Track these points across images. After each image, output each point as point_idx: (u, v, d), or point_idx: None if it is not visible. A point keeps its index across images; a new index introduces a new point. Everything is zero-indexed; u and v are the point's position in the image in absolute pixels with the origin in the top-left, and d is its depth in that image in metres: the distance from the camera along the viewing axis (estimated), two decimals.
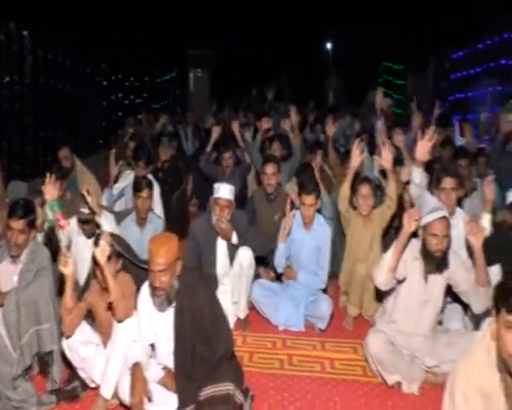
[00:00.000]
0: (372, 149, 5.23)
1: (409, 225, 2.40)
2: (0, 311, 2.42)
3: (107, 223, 2.96)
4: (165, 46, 11.57)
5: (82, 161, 4.40)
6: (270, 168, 3.76)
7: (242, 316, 3.14)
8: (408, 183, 3.51)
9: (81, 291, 2.49)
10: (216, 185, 3.16)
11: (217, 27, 12.57)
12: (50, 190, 2.79)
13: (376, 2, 12.13)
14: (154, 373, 2.26)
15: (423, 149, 3.09)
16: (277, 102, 9.58)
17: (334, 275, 3.65)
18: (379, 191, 3.78)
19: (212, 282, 3.10)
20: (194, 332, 2.17)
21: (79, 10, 8.54)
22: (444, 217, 2.44)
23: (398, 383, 2.53)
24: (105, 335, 2.43)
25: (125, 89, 11.22)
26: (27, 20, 6.60)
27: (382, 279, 2.54)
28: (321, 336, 3.09)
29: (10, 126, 6.29)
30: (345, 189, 3.34)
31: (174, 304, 2.17)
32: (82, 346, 2.37)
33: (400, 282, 2.59)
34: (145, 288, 2.24)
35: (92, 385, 2.43)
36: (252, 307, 3.31)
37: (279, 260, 3.29)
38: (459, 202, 3.26)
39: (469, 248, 2.60)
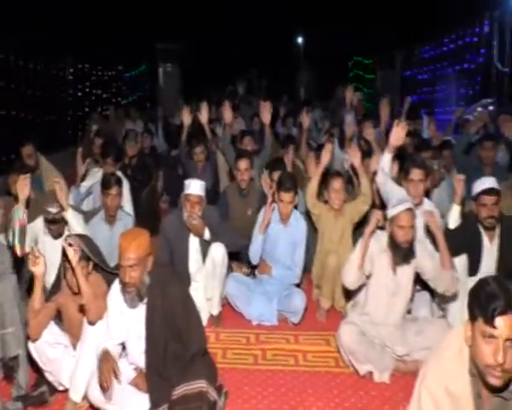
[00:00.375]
0: (342, 143, 5.31)
1: (373, 224, 2.50)
2: None
3: (75, 222, 2.88)
4: (133, 39, 11.32)
5: (47, 158, 4.26)
6: (243, 164, 3.75)
7: (215, 312, 3.13)
8: (376, 173, 3.58)
9: (50, 292, 2.41)
10: (186, 182, 3.12)
11: (187, 21, 12.39)
12: (22, 188, 2.69)
13: None
14: (125, 374, 2.22)
15: (397, 134, 3.13)
16: (249, 96, 9.56)
17: (306, 269, 3.70)
18: (350, 186, 3.84)
19: (184, 278, 3.07)
20: (167, 329, 2.14)
21: (43, 3, 8.22)
22: (409, 208, 2.50)
23: (370, 373, 2.59)
24: (74, 336, 2.37)
25: (91, 83, 10.89)
26: None
27: (352, 279, 2.60)
28: (294, 329, 3.11)
29: None
30: (312, 186, 3.37)
31: (146, 300, 2.14)
32: (49, 347, 2.29)
33: (368, 277, 2.65)
34: (115, 285, 2.20)
35: (60, 388, 2.37)
36: (225, 304, 3.30)
37: (255, 253, 3.29)
38: (427, 193, 3.36)
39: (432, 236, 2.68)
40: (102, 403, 2.17)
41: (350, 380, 2.58)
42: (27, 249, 2.65)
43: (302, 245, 3.29)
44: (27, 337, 2.32)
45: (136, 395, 2.19)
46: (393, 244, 2.54)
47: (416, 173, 3.05)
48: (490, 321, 1.36)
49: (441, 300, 2.97)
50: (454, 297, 2.82)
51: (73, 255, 2.15)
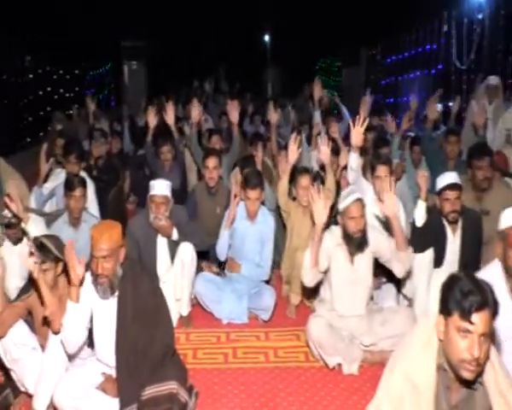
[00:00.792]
0: (310, 139, 5.37)
1: (319, 218, 2.51)
2: None
3: (34, 228, 2.78)
4: (97, 37, 11.00)
5: (7, 159, 4.08)
6: (211, 162, 3.73)
7: (185, 313, 3.10)
8: (345, 167, 3.65)
9: (21, 290, 2.35)
10: (151, 183, 3.09)
11: (152, 18, 12.16)
12: None
13: None
14: (92, 379, 2.18)
15: (357, 134, 3.23)
16: (216, 94, 9.50)
17: (276, 265, 3.72)
18: (317, 182, 3.88)
19: (154, 275, 3.03)
20: (137, 323, 2.12)
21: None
22: (358, 199, 2.57)
23: (339, 365, 2.63)
24: (43, 336, 2.31)
25: (53, 82, 10.51)
26: None
27: (309, 278, 2.64)
28: (264, 326, 3.12)
29: None
30: (283, 184, 3.40)
31: (117, 294, 2.12)
32: (15, 347, 2.23)
33: (326, 273, 2.69)
34: (87, 277, 2.16)
35: (22, 389, 2.30)
36: (195, 304, 3.28)
37: (221, 249, 3.28)
38: None
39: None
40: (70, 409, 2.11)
41: (320, 374, 2.62)
42: None
43: (270, 241, 3.31)
44: None
45: (103, 400, 2.15)
46: (347, 236, 2.61)
47: (381, 170, 3.15)
48: (467, 317, 1.39)
49: (407, 291, 3.06)
50: (420, 289, 2.89)
51: (33, 267, 2.09)
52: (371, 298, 2.88)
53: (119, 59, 11.81)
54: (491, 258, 2.99)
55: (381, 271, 3.04)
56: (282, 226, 3.71)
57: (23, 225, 2.73)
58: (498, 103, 5.10)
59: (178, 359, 2.37)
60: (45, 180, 3.87)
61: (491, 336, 1.45)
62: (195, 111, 4.52)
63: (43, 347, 2.29)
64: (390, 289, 3.15)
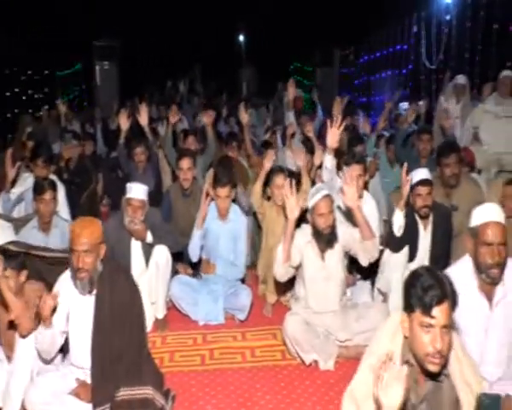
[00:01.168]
0: (285, 139, 5.40)
1: (291, 213, 2.53)
2: None
3: (1, 233, 2.68)
4: (67, 36, 10.72)
5: None
6: (185, 163, 3.70)
7: (161, 316, 3.07)
8: (320, 166, 3.69)
9: None
10: (128, 185, 3.04)
11: (124, 16, 11.93)
12: None
13: None
14: (66, 384, 2.14)
15: (333, 136, 3.26)
16: (191, 95, 9.45)
17: (252, 265, 3.73)
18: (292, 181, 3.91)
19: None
20: (113, 320, 2.10)
21: None
22: (327, 195, 2.61)
23: (315, 362, 2.66)
24: (9, 347, 2.24)
25: (21, 83, 10.18)
26: None
27: (281, 272, 2.66)
28: (241, 326, 3.12)
29: None
30: (257, 188, 3.42)
31: (95, 292, 2.11)
32: None
33: (298, 268, 2.72)
34: (65, 274, 2.15)
35: None
36: (170, 307, 3.25)
37: (193, 250, 3.26)
38: (365, 185, 3.51)
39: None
40: None
41: (297, 371, 2.64)
42: None
43: (243, 239, 3.32)
44: None
45: (77, 405, 2.11)
46: (316, 232, 2.64)
47: (355, 169, 3.18)
48: (427, 312, 1.43)
49: (382, 286, 3.11)
50: (394, 284, 2.95)
51: None
52: (345, 294, 2.92)
53: (91, 59, 11.52)
54: (460, 251, 3.10)
55: (356, 268, 3.09)
56: (257, 227, 3.73)
57: None
58: (466, 102, 5.26)
59: (154, 363, 2.35)
60: (13, 185, 3.75)
61: (451, 327, 1.49)
62: (173, 114, 4.50)
63: (9, 358, 2.23)
64: (365, 285, 3.20)
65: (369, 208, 3.14)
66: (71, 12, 10.69)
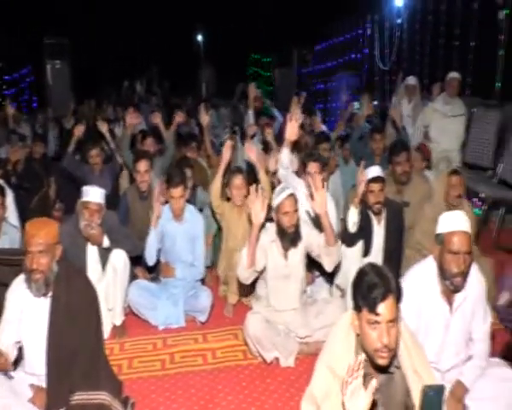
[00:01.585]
0: (244, 140, 5.41)
1: (256, 218, 2.54)
2: None
3: None
4: (16, 33, 10.20)
5: None
6: (142, 165, 3.63)
7: (119, 322, 2.99)
8: (275, 172, 3.72)
9: None
10: (85, 188, 2.95)
11: (76, 12, 11.50)
12: None
13: None
14: (20, 392, 2.05)
15: (292, 129, 3.29)
16: (148, 95, 9.27)
17: (213, 266, 3.71)
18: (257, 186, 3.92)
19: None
20: (69, 323, 2.04)
21: None
22: (291, 194, 2.65)
23: (276, 359, 2.69)
24: None
25: None
26: None
27: (245, 275, 2.68)
28: (202, 328, 3.10)
29: None
30: (215, 185, 3.40)
31: (50, 294, 2.05)
32: None
33: (262, 271, 2.74)
34: (18, 279, 2.08)
35: None
36: (128, 313, 3.17)
37: (149, 253, 3.20)
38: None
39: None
40: None
41: (258, 370, 2.66)
42: None
43: (201, 239, 3.29)
44: None
45: None
46: (281, 231, 2.67)
47: (313, 166, 3.24)
48: (373, 309, 1.47)
49: (340, 282, 3.18)
50: (351, 280, 3.02)
51: None
52: (305, 292, 2.97)
53: (41, 57, 11.00)
54: (411, 243, 3.25)
55: (314, 265, 3.15)
56: (217, 228, 3.72)
57: None
58: (417, 102, 5.49)
59: (111, 370, 2.30)
60: None
61: (398, 320, 1.54)
62: (132, 118, 4.43)
63: None
64: (323, 282, 3.27)
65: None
66: (20, 8, 10.19)
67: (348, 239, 2.94)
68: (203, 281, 3.42)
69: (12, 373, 2.14)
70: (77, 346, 2.05)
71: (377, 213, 3.07)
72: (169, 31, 13.29)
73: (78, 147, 4.40)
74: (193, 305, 3.12)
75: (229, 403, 2.39)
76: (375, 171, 3.05)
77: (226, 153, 3.41)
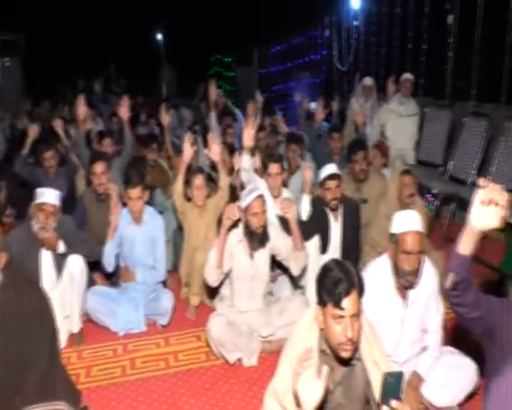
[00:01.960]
0: (205, 140, 5.37)
1: (226, 221, 2.60)
2: None
3: None
4: None
5: None
6: (98, 167, 3.52)
7: (76, 330, 2.89)
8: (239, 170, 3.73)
9: None
10: (39, 190, 2.84)
11: (28, 7, 10.97)
12: None
13: None
14: None
15: (248, 136, 3.35)
16: (107, 95, 9.02)
17: (174, 268, 3.66)
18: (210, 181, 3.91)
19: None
20: (21, 331, 1.94)
21: None
22: (259, 195, 2.68)
23: (239, 360, 2.69)
24: None
25: None
26: None
27: (213, 277, 2.69)
28: (164, 331, 3.05)
29: None
30: (178, 185, 3.37)
31: None
32: None
33: (229, 273, 2.75)
34: None
35: None
36: (86, 321, 3.07)
37: (108, 261, 3.12)
38: (285, 184, 3.63)
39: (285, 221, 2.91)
40: None
41: (221, 371, 2.65)
42: None
43: (161, 241, 3.24)
44: None
45: None
46: (249, 232, 2.69)
47: (273, 168, 3.29)
48: (338, 304, 1.51)
49: (300, 279, 3.23)
50: (309, 277, 3.09)
51: None
52: (270, 292, 2.99)
53: None
54: (367, 240, 3.35)
55: (276, 264, 3.18)
56: (178, 228, 3.67)
57: None
58: (373, 102, 5.67)
59: (69, 379, 2.22)
60: None
61: (360, 314, 1.59)
62: (82, 109, 4.26)
63: None
64: (285, 280, 3.30)
65: None
66: None
67: (303, 229, 2.99)
68: (164, 284, 3.37)
69: None
70: (29, 357, 1.96)
71: (334, 210, 3.14)
72: (128, 29, 12.97)
73: (33, 149, 4.21)
74: (154, 308, 3.07)
75: (192, 406, 2.37)
76: (330, 168, 3.12)
77: (187, 153, 3.38)
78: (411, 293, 2.15)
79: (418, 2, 6.14)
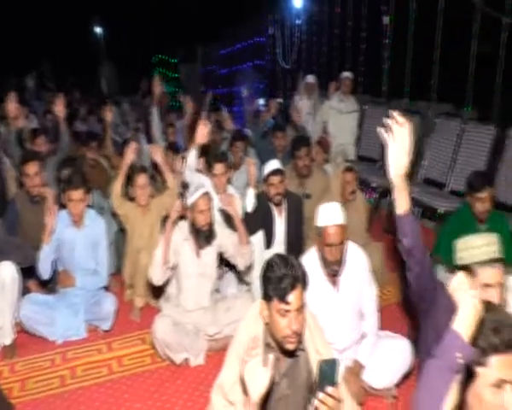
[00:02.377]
0: (149, 136, 5.23)
1: (174, 213, 2.60)
2: None
3: None
4: None
5: None
6: (31, 168, 3.30)
7: (9, 342, 2.70)
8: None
9: None
10: None
11: None
12: None
13: None
14: None
15: (202, 132, 3.32)
16: (41, 91, 8.52)
17: (116, 271, 3.54)
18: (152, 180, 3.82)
19: None
20: None
21: None
22: (205, 193, 2.66)
23: (186, 360, 2.65)
24: None
25: None
26: None
27: (158, 276, 2.64)
28: (106, 336, 2.94)
29: None
30: (117, 187, 3.28)
31: None
32: None
33: (174, 268, 2.70)
34: None
35: None
36: (19, 331, 2.87)
37: (43, 267, 2.94)
38: (229, 181, 3.62)
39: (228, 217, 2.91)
40: None
41: (167, 372, 2.60)
42: None
43: (103, 244, 3.12)
44: None
45: None
46: (195, 230, 2.67)
47: (218, 168, 3.28)
48: (283, 299, 1.53)
49: (245, 275, 3.24)
50: (254, 272, 3.11)
51: None
52: (217, 290, 2.97)
53: None
54: (310, 234, 3.43)
55: (222, 261, 3.17)
56: (119, 230, 3.55)
57: None
58: (315, 99, 5.82)
59: (1, 394, 2.07)
60: None
61: (304, 307, 1.62)
62: (12, 106, 3.97)
63: None
64: (231, 277, 3.30)
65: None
66: None
67: (248, 222, 3.00)
68: (107, 288, 3.24)
69: None
70: None
71: (278, 205, 3.19)
72: (63, 22, 12.32)
73: None
74: (95, 313, 2.94)
75: None
76: (274, 164, 3.17)
77: (129, 155, 3.29)
78: (341, 279, 2.26)
79: (356, 2, 6.37)
